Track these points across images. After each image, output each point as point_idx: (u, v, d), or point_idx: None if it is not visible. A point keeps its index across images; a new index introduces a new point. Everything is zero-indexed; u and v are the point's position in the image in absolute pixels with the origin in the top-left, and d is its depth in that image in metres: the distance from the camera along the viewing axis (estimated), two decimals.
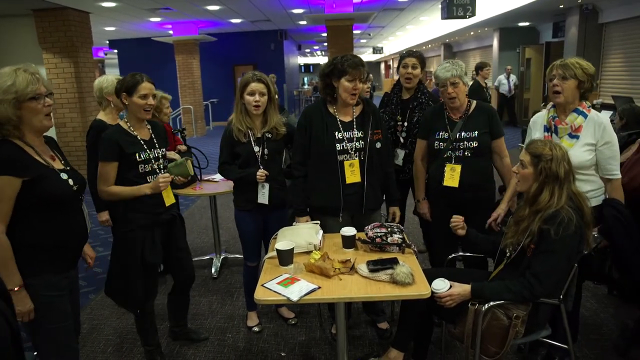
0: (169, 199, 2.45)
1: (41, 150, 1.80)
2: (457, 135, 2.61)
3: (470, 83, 5.82)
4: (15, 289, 1.71)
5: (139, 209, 2.34)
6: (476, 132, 2.58)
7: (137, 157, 2.33)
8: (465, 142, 2.59)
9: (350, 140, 2.48)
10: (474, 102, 2.68)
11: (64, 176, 1.82)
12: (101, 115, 3.01)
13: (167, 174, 2.39)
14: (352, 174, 2.48)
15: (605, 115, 7.04)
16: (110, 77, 3.01)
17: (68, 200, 1.83)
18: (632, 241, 2.18)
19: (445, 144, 2.64)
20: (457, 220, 2.33)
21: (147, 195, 2.33)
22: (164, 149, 2.49)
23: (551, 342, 2.23)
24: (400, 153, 3.16)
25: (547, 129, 2.39)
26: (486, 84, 7.06)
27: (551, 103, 2.44)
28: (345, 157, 2.48)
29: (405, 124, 3.15)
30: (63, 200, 1.80)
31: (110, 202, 2.37)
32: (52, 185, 1.76)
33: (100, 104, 3.04)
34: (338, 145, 2.47)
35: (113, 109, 3.00)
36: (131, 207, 2.34)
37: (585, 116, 2.29)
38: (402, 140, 3.18)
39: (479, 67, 7.19)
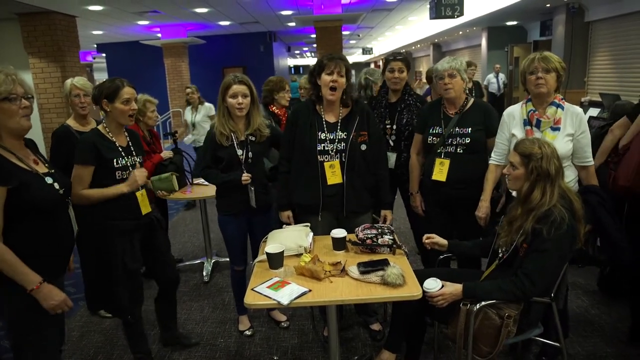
0: (145, 207, 2.41)
1: (23, 155, 1.76)
2: (451, 130, 2.62)
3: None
4: (35, 287, 1.68)
5: (117, 216, 2.29)
6: (470, 129, 2.59)
7: (115, 164, 2.28)
8: (458, 138, 2.60)
9: (333, 141, 2.46)
10: (472, 100, 2.68)
11: (49, 180, 1.78)
12: (69, 121, 3.03)
13: (143, 168, 2.35)
14: (333, 174, 2.46)
15: (594, 111, 7.12)
16: (68, 80, 3.02)
17: (55, 206, 1.79)
18: (614, 220, 2.23)
19: (438, 139, 2.65)
20: (428, 240, 2.32)
21: (124, 202, 2.28)
22: (140, 157, 2.45)
23: (543, 341, 2.23)
24: (392, 156, 3.14)
25: (527, 122, 2.40)
26: (476, 83, 7.02)
27: (526, 97, 2.46)
28: (326, 158, 2.46)
29: (394, 126, 3.14)
30: (50, 205, 1.76)
31: (87, 210, 2.29)
32: (37, 192, 1.72)
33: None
34: (319, 145, 2.45)
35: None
36: (109, 215, 2.28)
37: (562, 108, 2.36)
38: (391, 143, 3.17)
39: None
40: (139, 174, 2.30)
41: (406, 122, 3.09)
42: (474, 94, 6.17)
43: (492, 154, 2.56)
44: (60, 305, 1.74)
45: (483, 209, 2.54)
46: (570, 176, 2.35)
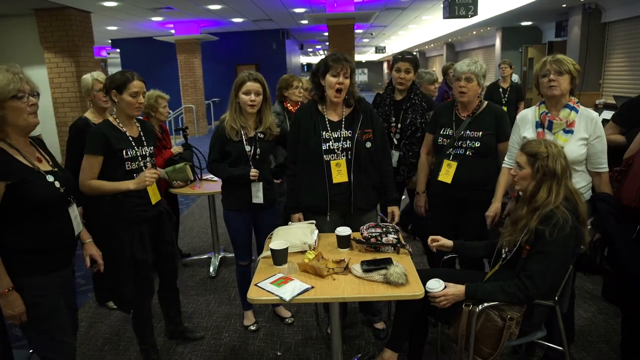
0: (154, 196, 2.44)
1: (27, 152, 1.79)
2: (462, 133, 2.61)
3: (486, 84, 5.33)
4: (2, 292, 1.69)
5: (126, 207, 2.32)
6: (480, 133, 2.59)
7: (125, 154, 2.30)
8: (468, 142, 2.60)
9: (338, 140, 2.47)
10: (485, 103, 2.68)
11: (50, 178, 1.80)
12: (87, 114, 3.06)
13: (154, 170, 2.37)
14: (339, 173, 2.47)
15: (608, 114, 7.01)
16: (87, 75, 3.03)
17: (54, 204, 1.80)
18: (624, 234, 2.19)
19: (448, 141, 2.65)
20: (434, 243, 2.33)
21: (133, 193, 2.31)
22: (152, 147, 2.49)
23: (547, 344, 2.22)
24: (395, 155, 3.13)
25: (539, 125, 2.39)
26: (515, 86, 6.40)
27: (540, 100, 2.45)
28: (332, 157, 2.47)
29: (399, 125, 3.13)
30: (48, 203, 1.78)
31: (95, 200, 2.32)
32: (36, 189, 1.74)
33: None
34: (324, 144, 2.46)
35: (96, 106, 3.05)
36: (117, 206, 2.31)
37: (577, 111, 2.32)
38: (395, 142, 3.16)
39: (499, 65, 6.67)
40: (149, 176, 2.31)
41: (410, 121, 3.09)
42: (506, 97, 6.05)
43: (505, 158, 2.55)
44: (14, 316, 1.75)
45: (493, 208, 2.54)
46: (580, 182, 2.32)
